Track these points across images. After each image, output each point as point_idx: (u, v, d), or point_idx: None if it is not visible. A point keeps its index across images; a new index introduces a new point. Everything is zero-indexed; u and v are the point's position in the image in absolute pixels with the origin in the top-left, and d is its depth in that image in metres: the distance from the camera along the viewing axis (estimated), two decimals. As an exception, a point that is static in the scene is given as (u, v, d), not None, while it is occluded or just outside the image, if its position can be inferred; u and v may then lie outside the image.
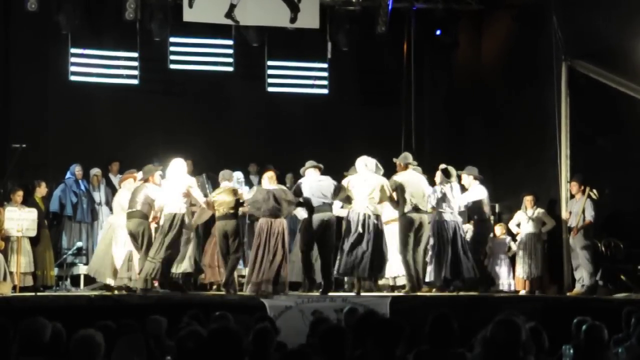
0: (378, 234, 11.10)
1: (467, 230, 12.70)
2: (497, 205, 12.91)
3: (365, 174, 11.16)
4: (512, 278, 13.13)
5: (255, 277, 10.96)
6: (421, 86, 15.89)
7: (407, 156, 11.66)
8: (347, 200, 11.36)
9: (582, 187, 12.43)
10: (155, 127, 15.07)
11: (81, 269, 12.93)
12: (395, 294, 11.69)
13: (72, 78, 14.85)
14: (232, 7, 14.14)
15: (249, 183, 13.83)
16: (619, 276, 11.99)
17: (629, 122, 12.46)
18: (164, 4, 14.45)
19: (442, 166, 11.73)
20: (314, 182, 11.28)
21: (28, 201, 12.28)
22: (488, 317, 4.71)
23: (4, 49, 14.66)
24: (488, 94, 15.64)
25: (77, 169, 13.36)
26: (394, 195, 11.33)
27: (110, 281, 11.91)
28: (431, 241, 11.52)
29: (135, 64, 14.96)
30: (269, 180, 11.31)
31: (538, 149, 13.75)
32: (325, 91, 15.93)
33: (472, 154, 15.10)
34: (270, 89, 15.74)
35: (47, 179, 13.08)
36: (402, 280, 12.04)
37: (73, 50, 14.77)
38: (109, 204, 13.38)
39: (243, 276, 12.60)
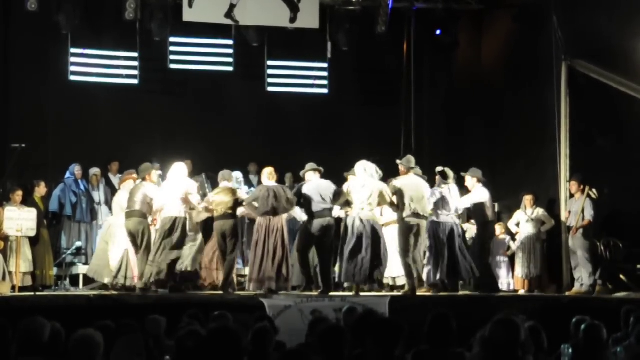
0: (376, 239, 11.10)
1: (467, 229, 12.71)
2: (496, 205, 12.89)
3: (364, 179, 11.13)
4: (511, 277, 13.15)
5: (256, 275, 10.96)
6: (421, 86, 15.88)
7: (410, 160, 11.62)
8: (347, 204, 11.36)
9: (582, 187, 12.42)
10: (155, 126, 15.09)
11: (80, 269, 12.93)
12: (394, 293, 11.69)
13: (72, 78, 14.85)
14: (232, 7, 14.14)
15: (248, 183, 13.84)
16: (618, 276, 11.99)
17: (629, 122, 12.45)
18: (164, 3, 14.44)
19: (439, 169, 11.72)
20: (314, 186, 11.27)
21: (27, 201, 12.28)
22: (487, 317, 4.70)
23: (4, 49, 14.66)
24: (488, 93, 15.64)
25: (76, 169, 13.36)
26: (394, 199, 11.32)
27: (107, 281, 11.90)
28: (427, 243, 11.50)
29: (135, 63, 14.96)
30: (268, 176, 11.31)
31: (538, 148, 13.75)
32: (325, 91, 15.93)
33: (471, 153, 15.11)
34: (270, 89, 15.73)
35: (47, 179, 13.08)
36: (401, 281, 12.04)
37: (73, 50, 14.77)
38: (108, 203, 13.38)
39: (242, 276, 12.62)
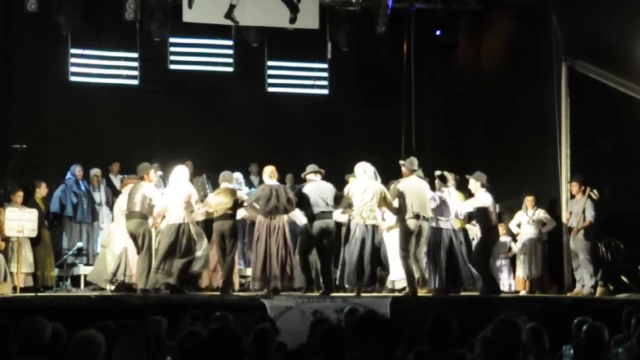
0: (378, 243, 11.10)
1: (469, 229, 12.68)
2: (497, 206, 12.90)
3: (364, 181, 11.12)
4: (512, 278, 13.15)
5: (260, 273, 10.95)
6: (421, 86, 15.89)
7: (414, 162, 11.58)
8: (348, 207, 11.35)
9: (583, 188, 12.43)
10: (155, 127, 15.09)
11: (81, 270, 12.93)
12: (396, 294, 11.69)
13: (72, 78, 14.85)
14: (232, 7, 14.14)
15: (249, 183, 13.84)
16: (619, 277, 11.98)
17: (629, 122, 12.46)
18: (164, 4, 14.44)
19: (438, 173, 11.70)
20: (315, 189, 11.25)
21: (28, 202, 12.28)
22: (488, 318, 4.70)
23: (4, 49, 14.67)
24: (488, 94, 15.64)
25: (77, 170, 13.36)
26: (396, 201, 11.31)
27: (107, 286, 11.88)
28: (425, 248, 11.48)
29: (135, 64, 14.96)
30: (269, 175, 11.31)
31: (538, 149, 13.75)
32: (325, 91, 15.93)
33: (472, 154, 15.12)
34: (270, 89, 15.73)
35: (48, 180, 13.07)
36: (400, 284, 12.05)
37: (73, 51, 14.77)
38: (109, 204, 13.39)
39: (243, 276, 12.62)
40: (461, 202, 11.97)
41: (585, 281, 12.25)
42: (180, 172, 11.28)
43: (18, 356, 5.04)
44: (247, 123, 15.65)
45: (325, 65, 15.74)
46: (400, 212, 11.30)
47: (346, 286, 11.59)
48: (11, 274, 11.44)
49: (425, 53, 15.88)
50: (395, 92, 15.93)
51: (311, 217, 11.21)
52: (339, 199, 11.27)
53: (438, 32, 15.51)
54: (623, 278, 11.93)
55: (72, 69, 14.82)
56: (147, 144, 14.30)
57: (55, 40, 14.51)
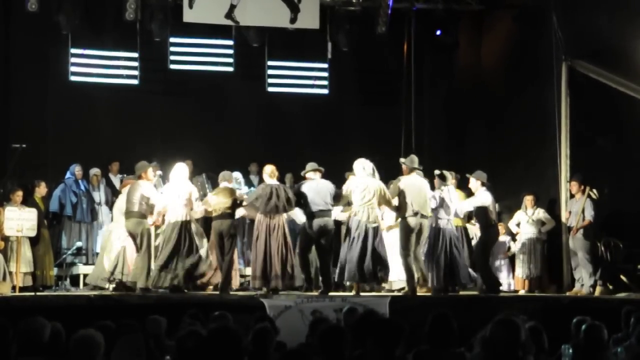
0: (379, 240, 11.12)
1: (473, 237, 12.69)
2: (496, 205, 12.90)
3: (363, 178, 11.13)
4: (511, 278, 13.14)
5: (261, 272, 10.94)
6: (421, 86, 15.89)
7: (414, 160, 11.58)
8: (349, 204, 11.36)
9: (582, 187, 12.43)
10: (155, 127, 15.10)
11: (81, 269, 12.93)
12: (395, 294, 11.69)
13: (72, 78, 14.86)
14: (232, 7, 14.14)
15: (249, 183, 13.84)
16: (619, 276, 11.99)
17: (629, 122, 12.45)
18: (164, 4, 14.45)
19: (437, 172, 11.71)
20: (314, 187, 11.25)
21: (28, 201, 12.28)
22: (487, 317, 4.70)
23: (4, 49, 14.68)
24: (488, 94, 15.64)
25: (76, 169, 13.36)
26: (396, 199, 11.32)
27: (108, 286, 11.88)
28: (425, 248, 11.49)
29: (136, 64, 14.97)
30: (270, 175, 11.31)
31: (538, 148, 13.75)
32: (325, 91, 15.93)
33: (472, 153, 15.11)
34: (270, 89, 15.74)
35: (47, 179, 13.07)
36: (397, 285, 12.05)
37: (73, 51, 14.79)
38: (108, 203, 13.39)
39: (243, 276, 12.61)
40: (461, 201, 11.98)
41: (584, 280, 12.25)
42: (180, 170, 11.28)
43: (17, 356, 5.03)
44: (247, 123, 15.65)
45: (325, 65, 15.75)
46: (400, 210, 11.30)
47: (347, 284, 11.59)
48: (10, 273, 11.43)
49: (426, 53, 15.89)
50: (396, 92, 15.93)
51: (310, 215, 11.21)
52: (338, 197, 11.28)
53: (438, 32, 15.52)
54: (622, 277, 11.94)
55: (73, 68, 14.84)
56: (147, 143, 14.30)
57: (55, 40, 14.52)
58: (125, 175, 13.12)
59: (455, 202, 11.63)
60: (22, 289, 11.48)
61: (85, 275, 12.69)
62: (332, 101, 15.93)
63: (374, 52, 15.79)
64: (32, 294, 11.22)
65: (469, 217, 12.63)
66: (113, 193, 13.48)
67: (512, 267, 13.18)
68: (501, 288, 12.58)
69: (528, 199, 12.93)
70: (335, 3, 14.91)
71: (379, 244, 11.07)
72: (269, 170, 11.34)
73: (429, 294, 11.44)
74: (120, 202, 11.88)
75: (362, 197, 11.00)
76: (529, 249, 12.81)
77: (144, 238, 11.08)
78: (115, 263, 11.71)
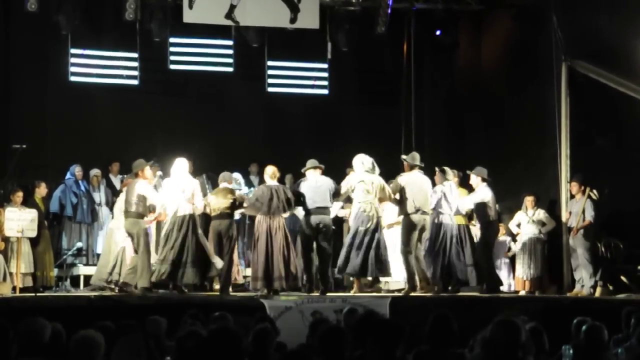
0: (382, 236, 11.17)
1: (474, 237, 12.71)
2: (497, 206, 12.91)
3: (363, 174, 11.15)
4: (512, 278, 13.14)
5: (262, 273, 10.92)
6: (421, 86, 15.88)
7: (416, 157, 11.62)
8: (348, 200, 11.36)
9: (582, 187, 12.43)
10: (155, 127, 15.09)
11: (81, 270, 12.94)
12: (395, 294, 11.69)
13: (72, 78, 14.87)
14: (232, 7, 14.13)
15: (249, 183, 13.84)
16: (619, 277, 11.99)
17: (629, 122, 12.46)
18: (164, 4, 14.45)
19: (438, 168, 11.74)
20: (312, 185, 11.26)
21: (28, 202, 12.28)
22: (488, 318, 4.70)
23: (4, 50, 14.67)
24: (488, 94, 15.64)
25: (77, 170, 13.36)
26: (397, 196, 11.34)
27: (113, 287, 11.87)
28: (426, 244, 11.50)
29: (135, 64, 14.97)
30: (270, 176, 11.31)
31: (538, 149, 13.75)
32: (325, 91, 15.94)
33: (472, 154, 15.11)
34: (270, 89, 15.75)
35: (47, 180, 13.07)
36: (395, 285, 12.06)
37: (73, 51, 14.79)
38: (108, 204, 13.39)
39: (243, 277, 12.60)
40: (462, 198, 11.97)
41: (584, 281, 12.25)
42: (182, 164, 11.25)
43: (17, 356, 5.03)
44: (247, 123, 15.65)
45: (325, 65, 15.75)
46: (402, 207, 11.30)
47: (350, 279, 11.57)
48: (11, 274, 11.43)
49: (426, 53, 15.88)
50: (395, 92, 15.92)
51: (307, 212, 11.22)
52: (337, 193, 11.27)
53: (438, 32, 15.52)
54: (622, 278, 11.94)
55: (72, 69, 14.84)
56: (147, 144, 14.27)
57: (55, 40, 14.52)
58: (125, 176, 13.11)
59: (456, 199, 11.64)
60: (22, 290, 11.48)
61: (85, 276, 12.70)
62: (332, 101, 15.93)
63: (374, 52, 15.79)
64: (33, 294, 11.21)
65: (469, 217, 12.63)
66: (113, 193, 13.48)
67: (512, 267, 13.18)
68: (502, 289, 12.59)
69: (528, 200, 12.92)
70: (335, 3, 14.90)
71: (381, 240, 11.11)
72: (270, 172, 11.34)
73: (429, 294, 11.43)
74: (121, 202, 11.87)
75: (365, 193, 11.02)
76: (530, 249, 12.80)
77: (140, 238, 11.01)
78: (114, 263, 11.70)
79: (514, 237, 13.21)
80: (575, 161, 12.90)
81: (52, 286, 12.33)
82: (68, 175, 13.33)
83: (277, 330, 6.29)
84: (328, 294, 11.10)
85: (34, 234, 11.82)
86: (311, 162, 11.51)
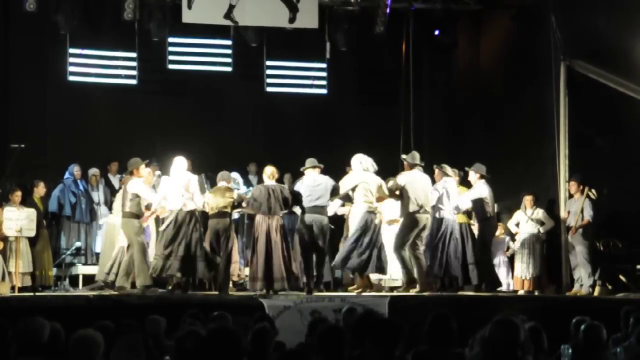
0: (380, 232, 11.21)
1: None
2: (495, 205, 12.93)
3: (362, 173, 11.17)
4: (510, 278, 13.14)
5: (262, 273, 10.91)
6: (420, 86, 15.88)
7: (416, 156, 11.62)
8: (347, 198, 11.37)
9: (581, 187, 12.44)
10: (153, 127, 15.09)
11: (80, 269, 12.93)
12: (394, 293, 11.69)
13: (71, 78, 14.86)
14: (231, 7, 14.13)
15: (247, 183, 13.84)
16: (618, 276, 11.99)
17: (627, 122, 12.46)
18: (163, 4, 14.45)
19: (437, 166, 11.76)
20: (310, 184, 11.26)
21: (27, 201, 12.27)
22: (487, 317, 4.70)
23: (2, 49, 14.67)
24: (487, 94, 15.64)
25: (75, 169, 13.36)
26: (397, 192, 11.36)
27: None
28: (426, 239, 11.51)
29: (134, 64, 14.97)
30: (269, 176, 11.32)
31: (537, 148, 13.75)
32: (324, 91, 15.94)
33: (471, 153, 15.07)
34: (269, 89, 15.75)
35: (46, 179, 13.06)
36: (389, 283, 12.07)
37: (71, 51, 14.78)
38: (107, 203, 13.39)
39: (245, 276, 12.60)
40: (461, 195, 11.98)
41: (583, 280, 12.25)
42: (180, 163, 11.27)
43: (16, 356, 5.03)
44: (246, 123, 15.66)
45: (324, 65, 15.76)
46: (405, 205, 11.28)
47: (350, 270, 11.60)
48: (9, 273, 11.43)
49: (424, 53, 15.88)
50: (394, 92, 15.92)
51: (303, 211, 11.23)
52: (336, 191, 11.27)
53: (437, 32, 15.52)
54: (621, 277, 11.94)
55: (71, 68, 14.84)
56: (146, 143, 14.27)
57: (53, 40, 14.52)
58: (124, 175, 13.10)
59: (456, 196, 11.66)
60: (21, 289, 11.48)
61: (84, 276, 12.70)
62: (331, 101, 15.93)
63: (373, 52, 15.79)
64: (31, 294, 11.21)
65: (469, 215, 12.64)
66: (112, 193, 13.48)
67: (511, 267, 13.18)
68: (501, 288, 12.60)
69: (527, 199, 12.92)
70: (334, 3, 14.91)
71: (380, 239, 11.20)
72: (269, 172, 11.33)
73: (427, 293, 11.43)
74: (118, 201, 11.87)
75: (367, 193, 11.04)
76: (528, 249, 12.80)
77: (133, 239, 11.02)
78: (112, 263, 11.69)
79: (512, 237, 13.21)
80: (574, 161, 12.90)
81: (51, 285, 12.32)
82: (67, 175, 13.32)
83: (276, 330, 6.29)
84: (324, 293, 11.12)
85: (32, 233, 11.81)
86: (310, 161, 11.51)
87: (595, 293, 11.99)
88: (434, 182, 11.71)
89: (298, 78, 16.01)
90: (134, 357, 5.30)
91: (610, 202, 12.50)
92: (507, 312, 5.56)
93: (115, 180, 13.93)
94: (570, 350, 6.05)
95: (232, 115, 15.56)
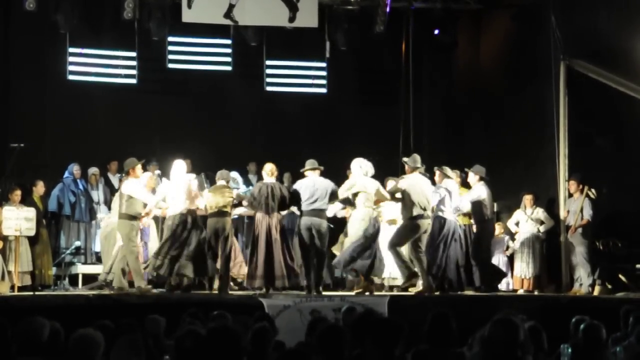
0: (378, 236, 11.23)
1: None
2: (495, 205, 12.93)
3: (362, 177, 11.15)
4: (510, 277, 13.14)
5: (262, 272, 10.91)
6: (420, 86, 15.89)
7: (417, 159, 11.56)
8: (348, 202, 11.36)
9: (581, 186, 12.44)
10: (153, 126, 15.10)
11: (79, 268, 12.92)
12: (394, 293, 11.70)
13: (71, 77, 14.87)
14: (231, 7, 14.13)
15: (247, 182, 13.83)
16: (617, 275, 12.00)
17: (627, 121, 12.46)
18: (163, 3, 14.44)
19: (437, 168, 11.75)
20: (309, 186, 11.24)
21: (26, 200, 12.26)
22: (486, 316, 4.70)
23: (2, 49, 14.66)
24: (487, 93, 15.64)
25: (75, 168, 13.35)
26: (398, 195, 11.36)
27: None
28: (428, 239, 11.52)
29: (134, 63, 14.97)
30: (268, 174, 11.31)
31: (537, 148, 13.76)
32: (323, 90, 15.94)
33: (470, 153, 15.09)
34: (268, 89, 15.75)
35: (46, 179, 13.05)
36: (389, 282, 12.07)
37: (71, 50, 14.79)
38: (107, 203, 13.38)
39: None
40: (461, 196, 11.98)
41: (583, 280, 12.26)
42: (179, 166, 11.28)
43: (16, 355, 5.03)
44: (246, 122, 15.66)
45: (323, 64, 15.76)
46: (407, 209, 11.25)
47: (352, 277, 11.60)
48: (9, 272, 11.43)
49: (424, 52, 15.88)
50: (394, 92, 15.93)
51: (301, 213, 11.23)
52: (334, 195, 11.26)
53: (437, 32, 15.52)
54: (621, 277, 11.94)
55: (71, 67, 14.85)
56: (146, 143, 14.29)
57: (53, 39, 14.52)
58: (123, 175, 13.09)
59: (456, 198, 11.66)
60: (20, 289, 11.48)
61: (84, 275, 12.69)
62: (331, 100, 15.93)
63: (373, 51, 15.79)
64: (31, 293, 11.21)
65: (470, 217, 12.64)
66: (111, 192, 13.46)
67: (511, 266, 13.18)
68: (500, 287, 12.61)
69: (527, 199, 12.93)
70: (334, 2, 14.90)
71: (378, 241, 11.22)
72: (268, 169, 11.33)
73: (427, 293, 11.44)
74: (116, 200, 11.87)
75: (368, 198, 11.05)
76: (528, 248, 12.81)
77: (126, 240, 11.01)
78: (112, 262, 11.68)
79: (512, 236, 13.22)
80: (573, 160, 12.90)
81: (51, 285, 12.32)
82: (66, 174, 13.31)
83: (275, 329, 6.29)
84: (324, 293, 11.14)
85: (32, 232, 11.81)
86: (310, 163, 11.48)
87: (595, 292, 12.00)
88: (434, 183, 11.69)
89: (298, 77, 16.02)
90: (134, 357, 5.30)
91: (610, 202, 12.51)
92: (507, 312, 5.56)
93: (114, 179, 13.92)
94: (569, 350, 6.05)
95: (232, 115, 15.56)
